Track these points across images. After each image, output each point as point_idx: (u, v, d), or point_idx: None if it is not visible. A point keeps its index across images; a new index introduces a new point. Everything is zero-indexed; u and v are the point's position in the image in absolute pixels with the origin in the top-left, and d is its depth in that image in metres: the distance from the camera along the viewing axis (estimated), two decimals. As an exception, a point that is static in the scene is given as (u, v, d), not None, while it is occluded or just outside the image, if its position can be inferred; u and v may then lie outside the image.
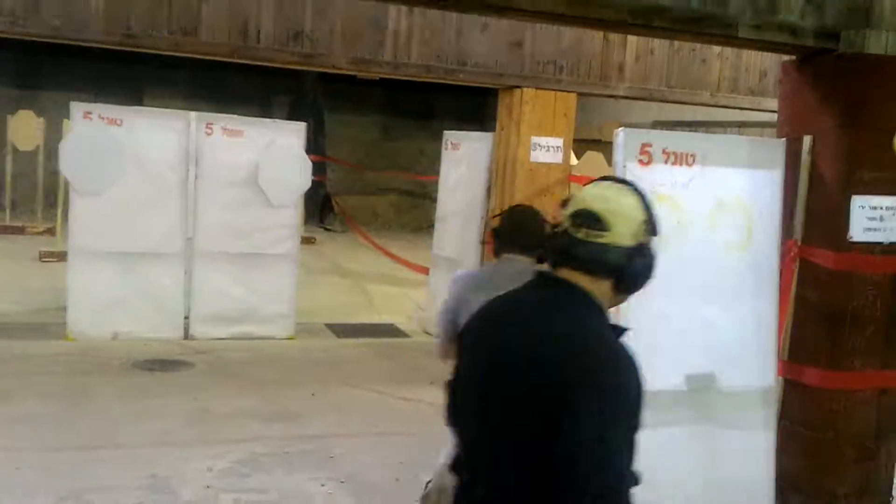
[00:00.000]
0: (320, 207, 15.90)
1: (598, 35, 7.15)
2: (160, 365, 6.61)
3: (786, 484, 4.19)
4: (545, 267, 2.13)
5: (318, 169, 8.10)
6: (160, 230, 7.22)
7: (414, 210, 18.12)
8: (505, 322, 1.92)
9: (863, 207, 4.03)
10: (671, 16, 3.77)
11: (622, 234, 1.86)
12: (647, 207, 1.94)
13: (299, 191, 7.66)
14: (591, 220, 1.85)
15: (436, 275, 8.38)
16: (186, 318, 7.39)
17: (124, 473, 4.49)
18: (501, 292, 2.26)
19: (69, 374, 6.23)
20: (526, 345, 1.82)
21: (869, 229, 4.06)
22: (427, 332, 8.16)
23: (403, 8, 6.65)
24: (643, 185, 3.84)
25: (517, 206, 3.27)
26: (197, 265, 7.38)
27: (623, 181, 2.02)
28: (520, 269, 2.84)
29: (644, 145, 3.99)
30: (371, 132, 18.22)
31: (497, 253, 3.06)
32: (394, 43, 6.79)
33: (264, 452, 4.88)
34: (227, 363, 6.76)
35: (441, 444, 5.13)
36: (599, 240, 1.85)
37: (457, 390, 2.01)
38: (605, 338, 1.83)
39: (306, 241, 11.99)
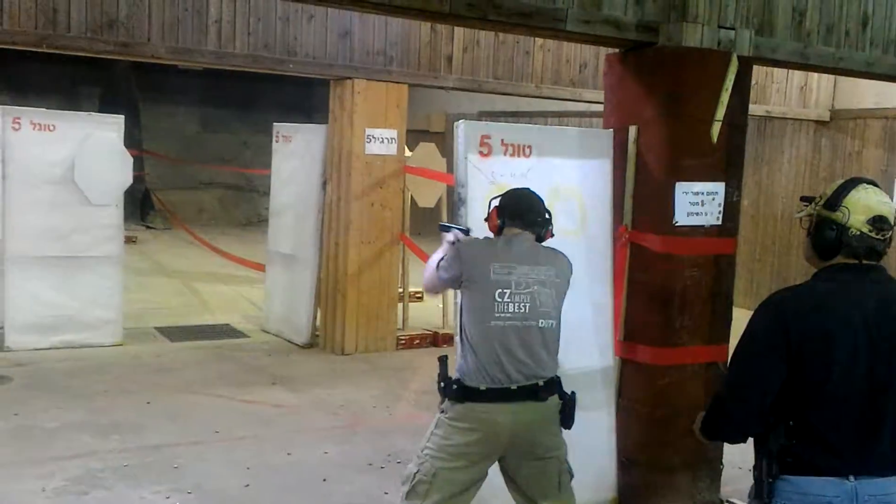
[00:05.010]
0: (140, 204, 15.17)
1: (425, 26, 7.19)
2: (-28, 381, 6.11)
3: (627, 458, 4.41)
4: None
5: (136, 164, 7.73)
6: (-35, 234, 6.66)
7: (242, 204, 17.63)
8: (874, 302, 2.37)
9: (685, 193, 4.28)
10: (505, 10, 3.85)
11: None
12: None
13: (120, 188, 7.25)
14: (887, 225, 2.40)
15: (272, 271, 8.15)
16: (0, 328, 6.85)
17: (-56, 501, 4.12)
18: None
19: None
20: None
21: (691, 213, 4.31)
22: (265, 331, 7.95)
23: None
24: (483, 176, 4.00)
25: (518, 188, 3.45)
26: (9, 271, 6.86)
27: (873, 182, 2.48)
28: (530, 244, 3.23)
29: (484, 137, 4.07)
30: (190, 124, 17.54)
31: (500, 229, 3.28)
32: (217, 31, 6.55)
33: (101, 467, 4.59)
34: (49, 375, 6.31)
35: (288, 446, 5.06)
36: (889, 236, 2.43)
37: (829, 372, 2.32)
38: None
39: (127, 240, 11.31)
